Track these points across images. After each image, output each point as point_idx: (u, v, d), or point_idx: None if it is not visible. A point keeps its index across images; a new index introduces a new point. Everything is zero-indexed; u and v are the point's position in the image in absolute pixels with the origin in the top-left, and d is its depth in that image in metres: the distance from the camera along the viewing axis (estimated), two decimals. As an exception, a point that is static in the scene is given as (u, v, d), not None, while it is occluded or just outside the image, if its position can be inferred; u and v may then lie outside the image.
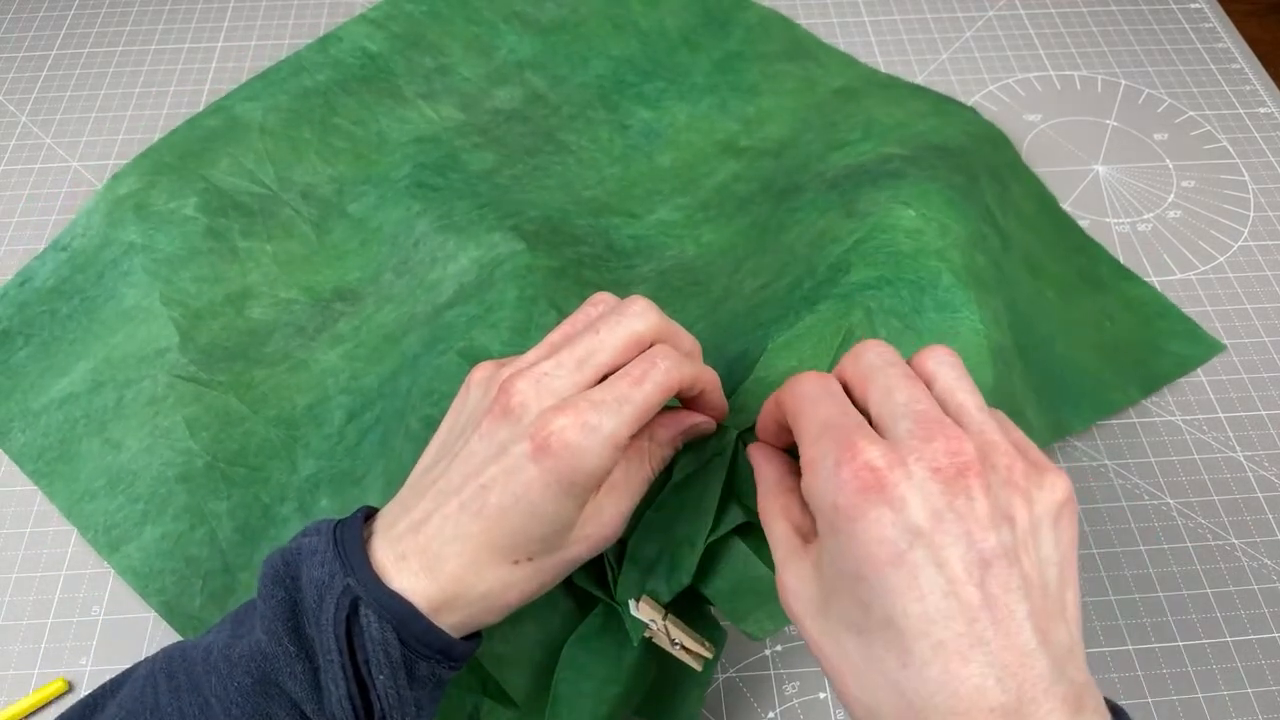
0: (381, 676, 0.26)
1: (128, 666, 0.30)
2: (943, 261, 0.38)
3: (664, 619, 0.32)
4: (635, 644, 0.33)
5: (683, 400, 0.32)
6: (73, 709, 0.29)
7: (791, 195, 0.49)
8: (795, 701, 0.39)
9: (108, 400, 0.46)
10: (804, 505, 0.28)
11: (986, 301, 0.38)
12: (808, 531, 0.27)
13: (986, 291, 0.39)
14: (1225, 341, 0.50)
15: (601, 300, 0.31)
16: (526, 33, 0.61)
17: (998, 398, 0.35)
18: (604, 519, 0.29)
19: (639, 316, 0.29)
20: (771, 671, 0.40)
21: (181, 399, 0.45)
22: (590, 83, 0.59)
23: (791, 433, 0.28)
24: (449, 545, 0.27)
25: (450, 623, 0.27)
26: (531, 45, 0.60)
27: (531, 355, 0.30)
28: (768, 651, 0.41)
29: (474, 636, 0.29)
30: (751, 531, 0.34)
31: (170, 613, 0.41)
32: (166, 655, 0.28)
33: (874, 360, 0.27)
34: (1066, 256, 0.51)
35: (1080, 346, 0.47)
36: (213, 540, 0.42)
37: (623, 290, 0.48)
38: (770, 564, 0.33)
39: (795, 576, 0.26)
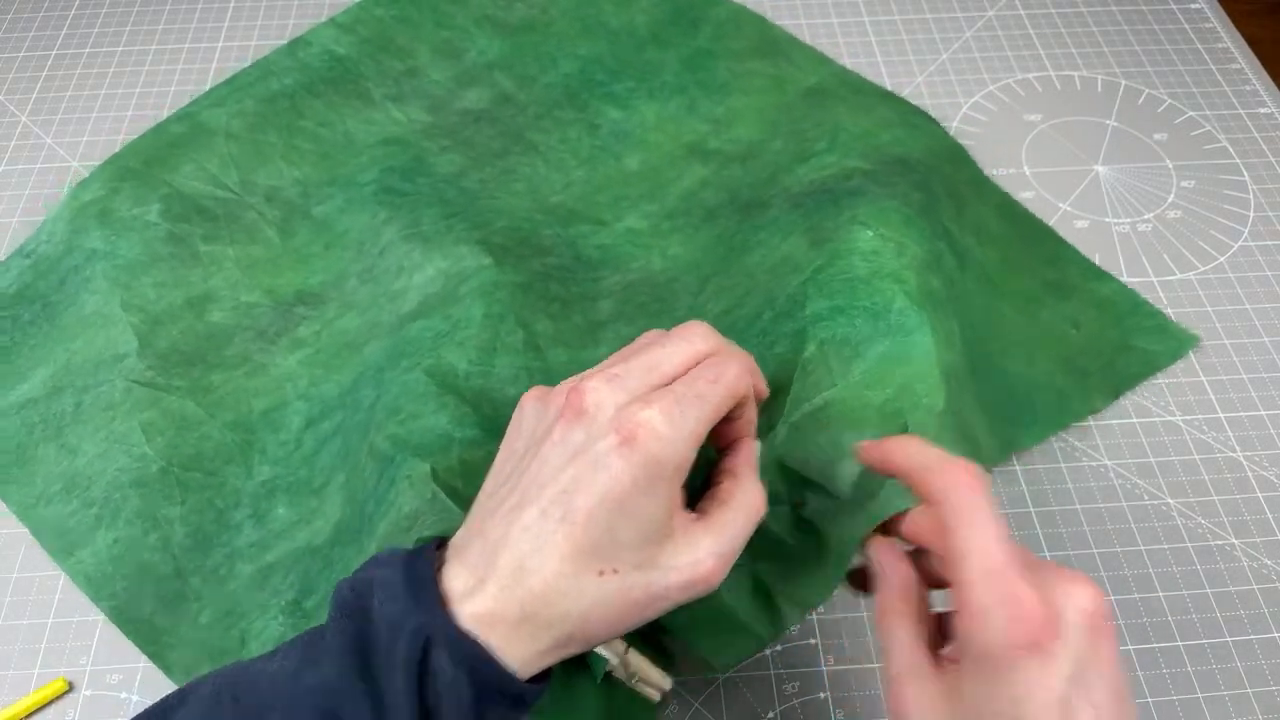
0: None
1: (170, 671, 0.29)
2: (898, 284, 0.38)
3: (625, 652, 0.31)
4: (598, 680, 0.32)
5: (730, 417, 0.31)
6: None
7: (757, 211, 0.49)
8: (795, 701, 0.39)
9: (65, 405, 0.46)
10: (928, 617, 0.29)
11: (940, 324, 0.38)
12: (933, 647, 0.28)
13: (941, 313, 0.39)
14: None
15: (655, 332, 0.32)
16: (496, 35, 0.61)
17: (949, 420, 0.35)
18: (698, 554, 0.28)
19: (702, 337, 0.30)
20: (771, 671, 0.40)
21: (138, 404, 0.45)
22: (558, 82, 0.59)
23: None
24: (530, 559, 0.26)
25: (526, 652, 0.26)
26: (500, 47, 0.60)
27: (593, 369, 0.30)
28: (768, 652, 0.41)
29: (541, 680, 0.28)
30: None
31: (121, 618, 0.41)
32: (233, 677, 0.28)
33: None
34: (1031, 269, 0.51)
35: (1038, 361, 0.47)
36: (165, 546, 0.42)
37: (590, 304, 0.48)
38: (732, 601, 0.33)
39: (921, 695, 0.26)
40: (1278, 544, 0.43)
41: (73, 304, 0.49)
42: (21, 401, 0.46)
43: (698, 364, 0.29)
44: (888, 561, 0.30)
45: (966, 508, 0.26)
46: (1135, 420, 0.47)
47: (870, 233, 0.40)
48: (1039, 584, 0.25)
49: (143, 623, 0.41)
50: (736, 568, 0.32)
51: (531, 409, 0.30)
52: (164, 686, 0.40)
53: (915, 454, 0.29)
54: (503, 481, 0.29)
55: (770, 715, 0.39)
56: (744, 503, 0.29)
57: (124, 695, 0.40)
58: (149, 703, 0.39)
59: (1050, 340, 0.48)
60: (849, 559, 0.32)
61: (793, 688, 0.40)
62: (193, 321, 0.48)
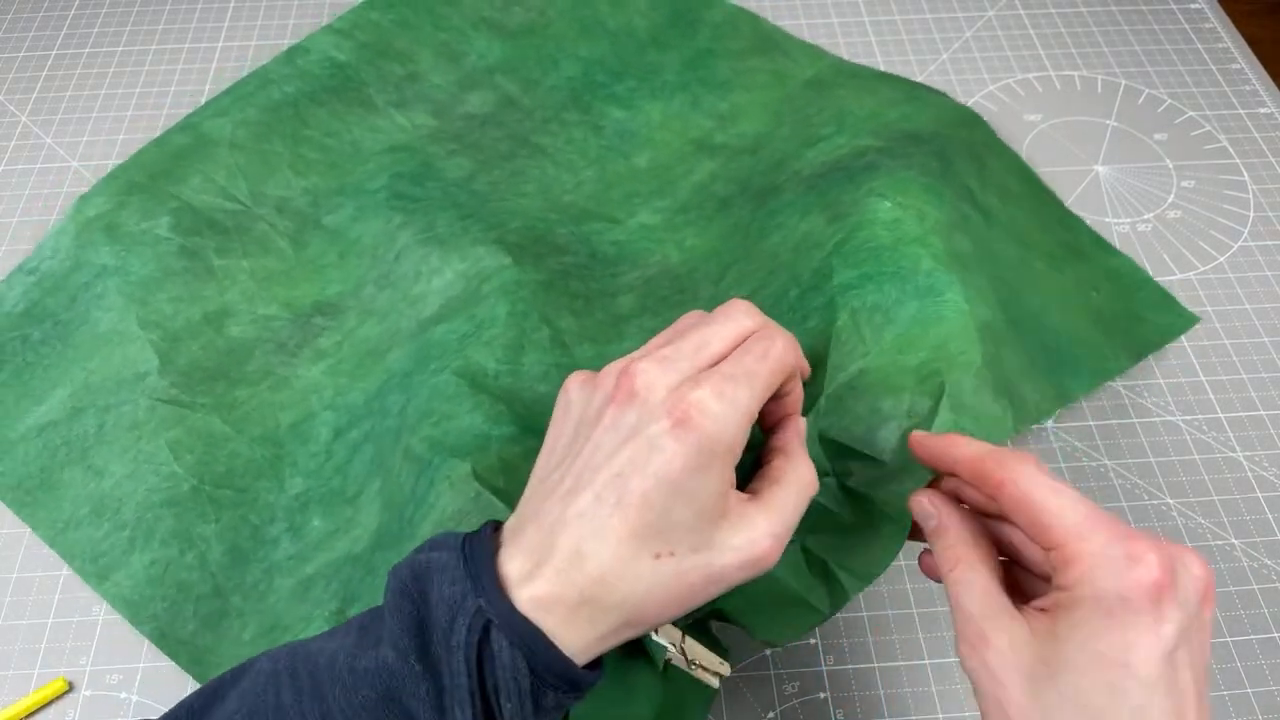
0: (510, 705, 0.25)
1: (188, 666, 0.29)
2: (923, 248, 0.38)
3: (682, 640, 0.31)
4: (660, 668, 0.32)
5: (779, 393, 0.31)
6: (194, 695, 0.28)
7: (770, 196, 0.49)
8: (795, 701, 0.39)
9: (88, 426, 0.45)
10: (999, 565, 0.28)
11: (970, 281, 0.38)
12: (1011, 594, 0.27)
13: (969, 272, 0.39)
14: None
15: (696, 313, 0.31)
16: (495, 38, 0.61)
17: (987, 375, 0.35)
18: (754, 533, 0.27)
19: (746, 314, 0.30)
20: (771, 671, 0.40)
21: (164, 422, 0.45)
22: (561, 84, 0.59)
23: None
24: (587, 543, 0.26)
25: (584, 637, 0.26)
26: (501, 50, 0.60)
27: (639, 351, 0.30)
28: (768, 652, 0.41)
29: (595, 666, 0.27)
30: None
31: (162, 639, 0.40)
32: (291, 653, 0.28)
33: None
34: (1049, 229, 0.52)
35: (1073, 314, 0.48)
36: (203, 564, 0.42)
37: (610, 299, 0.48)
38: (787, 579, 0.33)
39: (1008, 638, 0.26)
40: (1278, 544, 0.43)
41: (85, 322, 0.48)
42: (42, 424, 0.46)
43: (744, 341, 0.29)
44: (943, 510, 0.29)
45: (1039, 479, 0.26)
46: (1135, 420, 0.47)
47: (889, 203, 0.40)
48: (1154, 546, 0.25)
49: (185, 643, 0.40)
50: (787, 545, 0.32)
51: (578, 393, 0.30)
52: (164, 687, 0.40)
53: (968, 445, 0.28)
54: (554, 466, 0.29)
55: (770, 715, 0.39)
56: (796, 480, 0.29)
57: (124, 695, 0.40)
58: (149, 703, 0.40)
59: (1078, 296, 0.49)
60: (906, 523, 0.32)
61: (793, 688, 0.40)
62: (212, 337, 0.48)
